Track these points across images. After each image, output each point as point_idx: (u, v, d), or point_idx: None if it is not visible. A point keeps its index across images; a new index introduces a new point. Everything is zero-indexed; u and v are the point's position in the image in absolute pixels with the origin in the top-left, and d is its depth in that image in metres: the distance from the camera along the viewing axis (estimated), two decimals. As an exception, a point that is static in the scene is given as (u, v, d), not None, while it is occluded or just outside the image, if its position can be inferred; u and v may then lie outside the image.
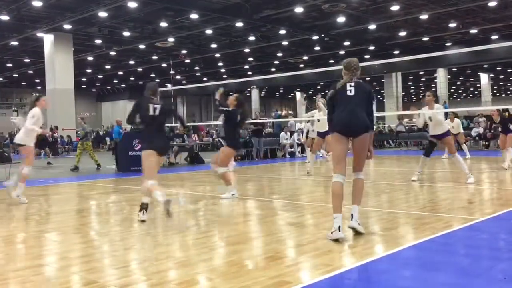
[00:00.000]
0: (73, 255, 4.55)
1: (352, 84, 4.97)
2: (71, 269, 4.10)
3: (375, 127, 17.15)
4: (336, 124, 4.98)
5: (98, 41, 27.65)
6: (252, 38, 27.38)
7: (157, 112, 6.09)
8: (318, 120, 11.01)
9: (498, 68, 40.89)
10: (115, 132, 17.66)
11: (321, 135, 10.90)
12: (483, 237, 4.97)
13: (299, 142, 19.46)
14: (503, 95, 65.12)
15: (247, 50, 30.82)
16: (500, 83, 54.15)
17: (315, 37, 27.39)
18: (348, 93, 4.93)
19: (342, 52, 32.46)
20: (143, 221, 5.87)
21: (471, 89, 58.75)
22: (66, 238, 5.35)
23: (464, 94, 65.93)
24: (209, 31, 25.31)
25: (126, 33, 25.32)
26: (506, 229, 5.29)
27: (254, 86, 43.93)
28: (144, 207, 5.96)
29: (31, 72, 36.54)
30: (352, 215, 4.87)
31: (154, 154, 5.97)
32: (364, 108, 4.94)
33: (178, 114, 7.90)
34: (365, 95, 4.99)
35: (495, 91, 56.56)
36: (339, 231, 4.62)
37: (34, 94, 33.99)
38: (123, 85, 48.58)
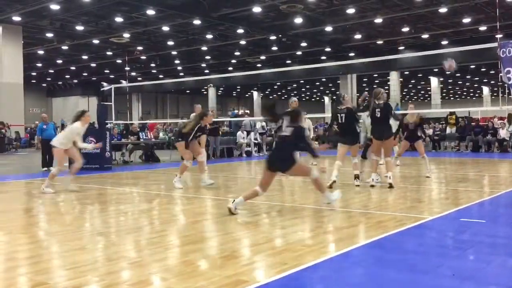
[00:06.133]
0: (20, 255, 4.37)
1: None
2: (18, 271, 3.93)
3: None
4: None
5: (49, 35, 26.72)
6: (209, 36, 27.23)
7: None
8: None
9: (447, 73, 42.40)
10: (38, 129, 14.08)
11: None
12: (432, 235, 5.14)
13: (256, 141, 19.50)
14: (452, 98, 67.76)
15: (204, 48, 30.62)
16: (449, 87, 56.26)
17: (273, 37, 27.55)
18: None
19: (299, 52, 32.81)
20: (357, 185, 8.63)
21: (422, 92, 60.72)
22: (13, 238, 5.12)
23: (415, 97, 68.13)
24: (166, 28, 24.98)
25: (79, 27, 24.60)
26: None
27: (211, 85, 43.70)
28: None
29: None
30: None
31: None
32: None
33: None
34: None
35: (444, 94, 58.66)
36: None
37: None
38: (75, 81, 47.15)
